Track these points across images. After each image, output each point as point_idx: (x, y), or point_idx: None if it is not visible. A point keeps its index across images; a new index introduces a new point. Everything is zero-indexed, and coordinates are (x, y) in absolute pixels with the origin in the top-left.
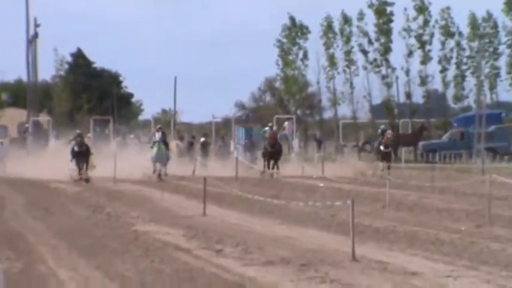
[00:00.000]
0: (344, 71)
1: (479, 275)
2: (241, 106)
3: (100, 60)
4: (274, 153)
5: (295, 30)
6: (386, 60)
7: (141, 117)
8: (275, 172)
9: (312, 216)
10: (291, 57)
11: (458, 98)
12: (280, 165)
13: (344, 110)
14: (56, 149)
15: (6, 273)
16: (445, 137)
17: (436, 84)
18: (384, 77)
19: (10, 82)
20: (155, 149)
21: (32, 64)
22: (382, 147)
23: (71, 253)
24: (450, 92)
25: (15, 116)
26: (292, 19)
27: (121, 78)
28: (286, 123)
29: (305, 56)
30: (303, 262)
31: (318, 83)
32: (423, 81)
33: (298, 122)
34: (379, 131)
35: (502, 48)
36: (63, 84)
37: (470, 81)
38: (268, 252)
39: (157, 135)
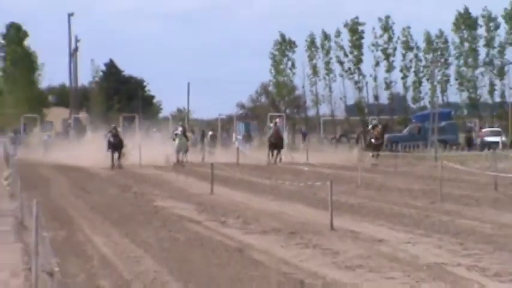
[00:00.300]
0: (324, 77)
1: (433, 242)
2: (241, 106)
3: (128, 68)
4: (277, 145)
5: (285, 45)
6: (359, 69)
7: (161, 115)
8: (278, 159)
9: (299, 194)
10: (281, 67)
11: (416, 100)
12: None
13: (324, 109)
14: (93, 140)
15: (52, 240)
16: (405, 131)
17: (398, 88)
18: (356, 83)
19: (56, 86)
20: (177, 140)
21: (73, 72)
22: (373, 140)
23: (104, 224)
24: (410, 95)
25: (59, 114)
26: (282, 36)
27: (145, 83)
28: (277, 119)
29: (293, 66)
30: (291, 231)
31: (303, 87)
32: (388, 86)
33: (287, 119)
34: (370, 126)
35: (451, 59)
36: (98, 88)
37: (426, 86)
38: (263, 223)
39: (179, 130)
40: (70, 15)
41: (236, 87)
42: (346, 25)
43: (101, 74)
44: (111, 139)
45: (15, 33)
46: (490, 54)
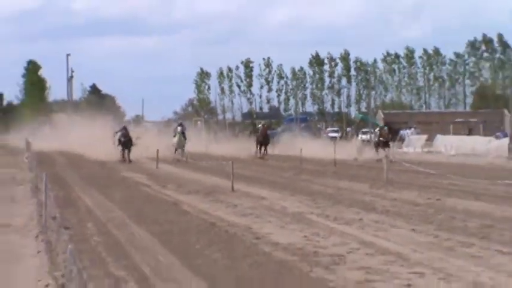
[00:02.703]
0: (228, 95)
1: (295, 199)
2: (176, 113)
3: (105, 89)
4: (264, 142)
5: (203, 75)
6: (250, 90)
7: (125, 119)
8: (266, 154)
9: (212, 169)
10: (201, 88)
11: (286, 110)
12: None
13: (229, 115)
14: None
15: (55, 197)
16: (279, 129)
17: (275, 102)
18: (248, 99)
19: (59, 100)
20: (176, 138)
21: (69, 91)
22: (382, 139)
23: (88, 187)
24: (282, 107)
25: (61, 118)
26: (202, 69)
27: (116, 99)
28: (198, 122)
29: (208, 88)
30: (207, 192)
31: (215, 101)
32: (268, 101)
33: (205, 122)
34: (378, 128)
35: (307, 84)
36: (85, 102)
37: (292, 101)
38: (189, 187)
39: (179, 128)
40: (68, 55)
41: (173, 101)
42: (242, 62)
43: (87, 92)
44: (122, 138)
45: (32, 66)
46: (332, 81)
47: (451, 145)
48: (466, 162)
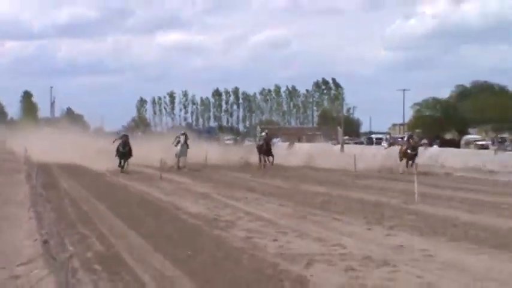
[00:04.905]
0: (165, 114)
1: (205, 185)
2: (123, 126)
3: (76, 109)
4: (267, 150)
5: (142, 102)
6: (173, 112)
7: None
8: (269, 161)
9: (151, 165)
10: (141, 110)
11: (196, 125)
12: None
13: (159, 129)
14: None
15: (42, 183)
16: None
17: (189, 120)
18: (172, 118)
19: (45, 117)
20: (179, 146)
21: (52, 112)
22: (409, 150)
23: (69, 177)
24: (193, 123)
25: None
26: (141, 97)
27: (84, 117)
28: (140, 132)
29: (146, 110)
30: (144, 179)
31: (150, 119)
32: (185, 119)
33: (143, 133)
34: (406, 136)
35: (211, 108)
36: (63, 119)
37: (200, 119)
38: (134, 176)
39: (182, 138)
40: (51, 87)
41: (122, 118)
42: (168, 93)
43: (64, 112)
44: (121, 148)
45: (27, 95)
46: (226, 106)
47: (303, 148)
48: (317, 160)
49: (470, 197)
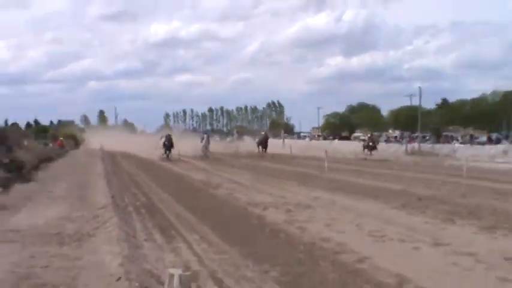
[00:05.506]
0: (180, 123)
1: (204, 163)
2: (162, 128)
3: (130, 120)
4: (264, 144)
5: (167, 116)
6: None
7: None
8: (264, 152)
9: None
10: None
11: (197, 129)
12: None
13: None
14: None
15: (111, 163)
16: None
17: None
18: (192, 125)
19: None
20: (204, 142)
21: (115, 122)
22: (370, 143)
23: (129, 163)
24: (196, 128)
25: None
26: (167, 113)
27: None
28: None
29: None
30: (175, 162)
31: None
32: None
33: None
34: (369, 134)
35: (207, 119)
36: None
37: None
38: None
39: (205, 136)
40: (115, 107)
41: (154, 127)
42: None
43: (122, 122)
44: (166, 142)
45: (101, 112)
46: (217, 118)
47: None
48: (270, 149)
49: (356, 169)
